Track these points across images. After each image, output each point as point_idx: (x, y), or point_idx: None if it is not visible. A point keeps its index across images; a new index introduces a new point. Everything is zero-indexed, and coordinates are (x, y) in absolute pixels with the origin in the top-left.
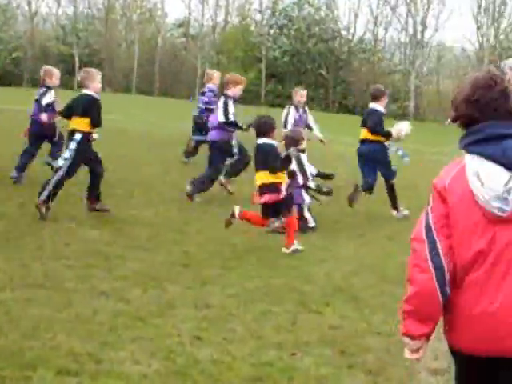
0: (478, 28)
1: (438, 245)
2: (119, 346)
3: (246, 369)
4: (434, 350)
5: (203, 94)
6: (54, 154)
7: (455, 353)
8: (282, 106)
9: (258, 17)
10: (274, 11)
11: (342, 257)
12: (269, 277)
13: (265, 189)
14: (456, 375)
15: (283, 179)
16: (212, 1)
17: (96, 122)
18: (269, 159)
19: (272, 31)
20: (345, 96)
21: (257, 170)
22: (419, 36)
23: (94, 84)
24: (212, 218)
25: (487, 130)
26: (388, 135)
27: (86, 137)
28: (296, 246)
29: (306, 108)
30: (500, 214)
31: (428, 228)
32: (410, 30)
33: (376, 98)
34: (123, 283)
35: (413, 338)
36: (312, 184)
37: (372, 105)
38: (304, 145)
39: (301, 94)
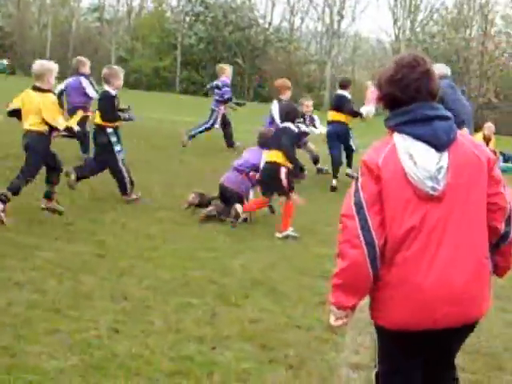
0: (395, 20)
1: (369, 221)
2: (35, 339)
3: (166, 363)
4: (356, 344)
5: (218, 87)
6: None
7: (382, 328)
8: (196, 94)
9: (174, 3)
10: None
11: (258, 248)
12: (186, 268)
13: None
14: (381, 351)
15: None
16: None
17: (108, 118)
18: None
19: (188, 18)
20: (260, 84)
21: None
22: (336, 26)
23: (117, 82)
24: (126, 207)
25: (418, 111)
26: (360, 115)
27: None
28: (290, 232)
29: (314, 116)
30: (432, 192)
31: (359, 205)
32: (327, 20)
33: (345, 86)
34: (38, 273)
35: (341, 308)
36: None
37: (340, 91)
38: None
39: (307, 105)
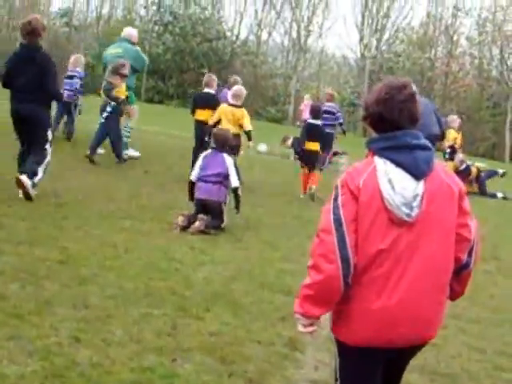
0: (361, 38)
1: (347, 238)
2: None
3: (126, 373)
4: (315, 361)
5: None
6: None
7: (343, 344)
8: (162, 103)
9: (143, 12)
10: (160, 7)
11: (220, 261)
12: (149, 278)
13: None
14: (341, 368)
15: None
16: None
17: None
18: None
19: (156, 27)
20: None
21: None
22: (302, 41)
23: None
24: (91, 214)
25: (401, 138)
26: None
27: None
28: None
29: None
30: (406, 218)
31: (339, 222)
32: (294, 35)
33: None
34: (0, 278)
35: (310, 317)
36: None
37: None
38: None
39: None
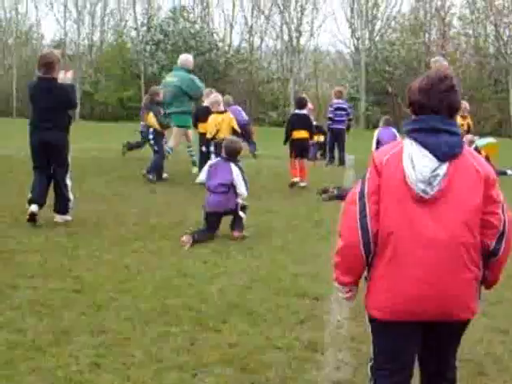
0: (353, 31)
1: (367, 209)
2: (17, 379)
3: None
4: (336, 361)
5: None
6: None
7: (374, 320)
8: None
9: (134, 33)
10: (150, 27)
11: (234, 271)
12: (164, 297)
13: None
14: (374, 345)
15: None
16: (87, 21)
17: None
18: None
19: (148, 47)
20: None
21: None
22: (295, 43)
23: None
24: (101, 240)
25: (429, 122)
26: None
27: None
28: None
29: None
30: (423, 194)
31: (362, 193)
32: (286, 38)
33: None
34: (17, 313)
35: (341, 284)
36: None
37: (298, 111)
38: None
39: None
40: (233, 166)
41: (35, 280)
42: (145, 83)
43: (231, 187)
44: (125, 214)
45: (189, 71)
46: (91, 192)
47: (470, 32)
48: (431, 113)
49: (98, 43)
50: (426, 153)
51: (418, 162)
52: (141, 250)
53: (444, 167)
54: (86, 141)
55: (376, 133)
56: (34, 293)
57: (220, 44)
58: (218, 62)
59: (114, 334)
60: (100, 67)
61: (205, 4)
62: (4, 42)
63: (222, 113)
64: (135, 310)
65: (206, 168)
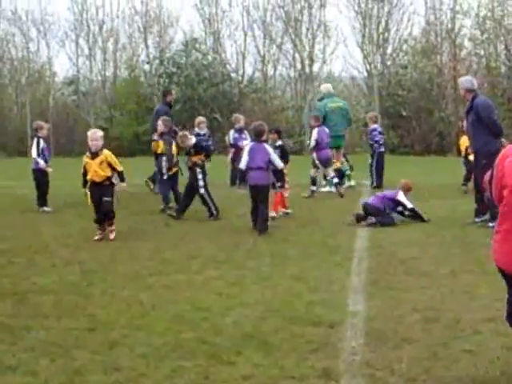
0: (365, 56)
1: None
2: None
3: None
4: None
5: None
6: None
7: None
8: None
9: (147, 67)
10: (162, 60)
11: (248, 303)
12: (178, 331)
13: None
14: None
15: None
16: (99, 56)
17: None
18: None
19: (162, 80)
20: None
21: None
22: (308, 70)
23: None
24: (116, 277)
25: None
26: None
27: None
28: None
29: None
30: None
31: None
32: (298, 66)
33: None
34: (30, 354)
35: None
36: None
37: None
38: None
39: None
40: (266, 146)
41: (49, 320)
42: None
43: (269, 165)
44: (139, 249)
45: None
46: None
47: (482, 52)
48: None
49: (111, 78)
50: None
51: None
52: (155, 285)
53: None
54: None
55: (315, 133)
56: (47, 333)
57: (233, 74)
58: (231, 92)
59: (127, 372)
60: (114, 103)
61: (216, 35)
62: (17, 81)
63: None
64: (149, 346)
65: (245, 154)
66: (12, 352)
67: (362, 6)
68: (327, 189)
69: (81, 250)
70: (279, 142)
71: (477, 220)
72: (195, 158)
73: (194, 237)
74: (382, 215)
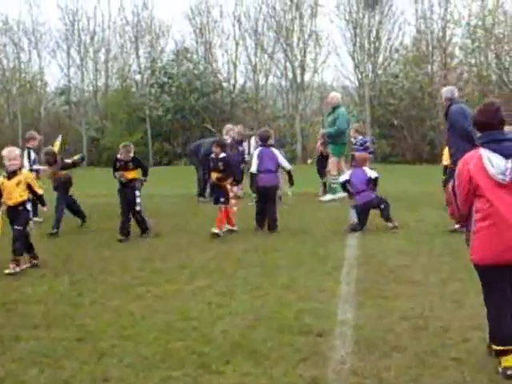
0: (356, 65)
1: (458, 198)
2: None
3: None
4: None
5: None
6: None
7: (476, 266)
8: (171, 164)
9: (138, 77)
10: (154, 70)
11: (238, 312)
12: (167, 341)
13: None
14: (482, 286)
15: None
16: (91, 66)
17: None
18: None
19: (153, 90)
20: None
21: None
22: (299, 80)
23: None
24: (106, 287)
25: (495, 135)
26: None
27: None
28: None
29: None
30: (502, 181)
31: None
32: (290, 75)
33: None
34: (19, 365)
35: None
36: None
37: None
38: None
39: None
40: (274, 150)
41: (38, 330)
42: (150, 127)
43: (278, 168)
44: (129, 259)
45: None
46: (95, 240)
47: (472, 61)
48: (490, 128)
49: (102, 88)
50: (497, 155)
51: (494, 162)
52: (145, 295)
53: (510, 162)
54: (91, 187)
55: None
56: (37, 343)
57: (225, 84)
58: (223, 102)
59: (116, 382)
60: (106, 113)
61: (208, 45)
62: (8, 91)
63: None
64: (138, 356)
65: (255, 159)
66: (0, 362)
67: (353, 15)
68: (328, 197)
69: (71, 260)
70: (222, 155)
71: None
72: (133, 174)
73: (184, 247)
74: (377, 201)
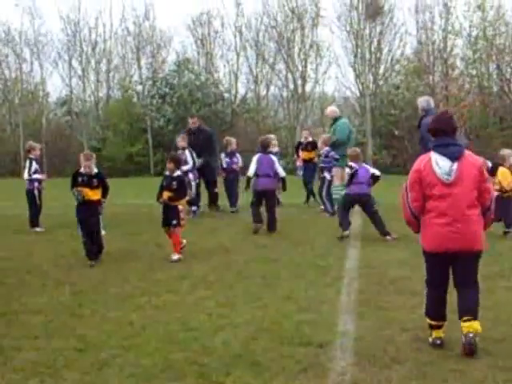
0: (357, 76)
1: (409, 194)
2: None
3: None
4: None
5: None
6: None
7: (424, 251)
8: None
9: (140, 88)
10: (155, 80)
11: (239, 323)
12: (167, 352)
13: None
14: (426, 267)
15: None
16: (92, 77)
17: None
18: None
19: (155, 101)
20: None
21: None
22: (300, 90)
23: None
24: (106, 297)
25: (443, 141)
26: None
27: None
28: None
29: None
30: (446, 181)
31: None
32: (291, 86)
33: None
34: (19, 375)
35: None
36: None
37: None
38: None
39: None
40: (272, 156)
41: (39, 341)
42: (152, 137)
43: (275, 173)
44: (130, 270)
45: None
46: None
47: (474, 72)
48: (443, 134)
49: (104, 99)
50: (444, 158)
51: (441, 164)
52: (146, 306)
53: (456, 164)
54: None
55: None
56: (37, 354)
57: (226, 95)
58: (224, 112)
59: None
60: (107, 123)
61: (209, 56)
62: (10, 102)
63: None
64: (138, 367)
65: (253, 163)
66: (1, 372)
67: (354, 26)
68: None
69: (72, 270)
70: (177, 173)
71: None
72: (97, 194)
73: (185, 257)
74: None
